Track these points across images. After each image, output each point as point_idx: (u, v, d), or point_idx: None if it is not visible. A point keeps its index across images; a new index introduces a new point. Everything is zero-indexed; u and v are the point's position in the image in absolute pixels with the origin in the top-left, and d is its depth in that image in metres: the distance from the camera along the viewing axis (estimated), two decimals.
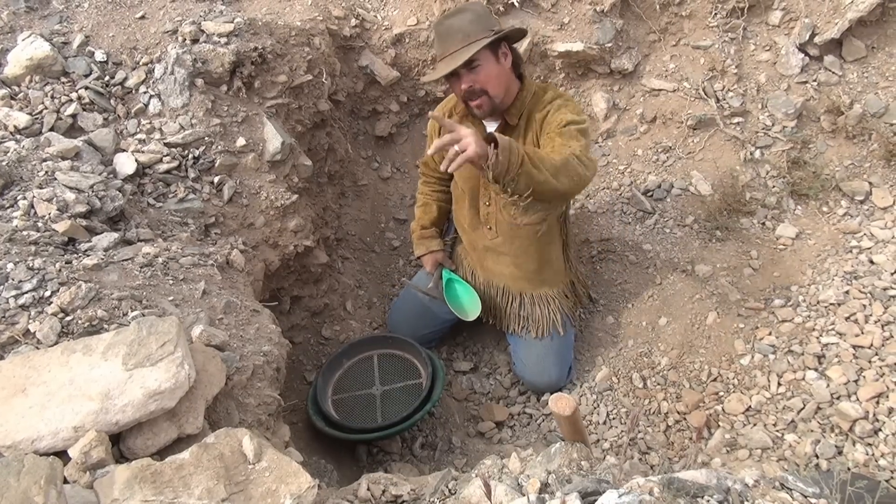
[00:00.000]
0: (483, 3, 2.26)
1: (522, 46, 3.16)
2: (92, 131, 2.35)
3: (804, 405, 2.30)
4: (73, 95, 2.39)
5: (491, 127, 2.41)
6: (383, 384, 2.63)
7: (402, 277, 3.25)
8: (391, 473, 1.74)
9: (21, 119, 2.28)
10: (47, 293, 1.67)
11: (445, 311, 2.84)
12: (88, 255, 1.87)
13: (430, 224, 2.86)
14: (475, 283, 2.79)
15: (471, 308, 2.75)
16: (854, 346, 2.37)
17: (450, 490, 1.50)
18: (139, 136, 2.39)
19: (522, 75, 2.36)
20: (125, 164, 2.29)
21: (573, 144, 2.10)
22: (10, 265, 1.72)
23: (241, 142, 2.50)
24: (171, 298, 1.83)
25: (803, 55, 3.08)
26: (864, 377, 2.28)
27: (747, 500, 1.21)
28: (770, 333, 2.54)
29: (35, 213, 1.95)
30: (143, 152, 2.34)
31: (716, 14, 3.19)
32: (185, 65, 2.46)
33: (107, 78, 2.49)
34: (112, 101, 2.45)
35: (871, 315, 2.45)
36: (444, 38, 2.20)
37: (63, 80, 2.44)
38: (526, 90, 2.34)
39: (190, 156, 2.41)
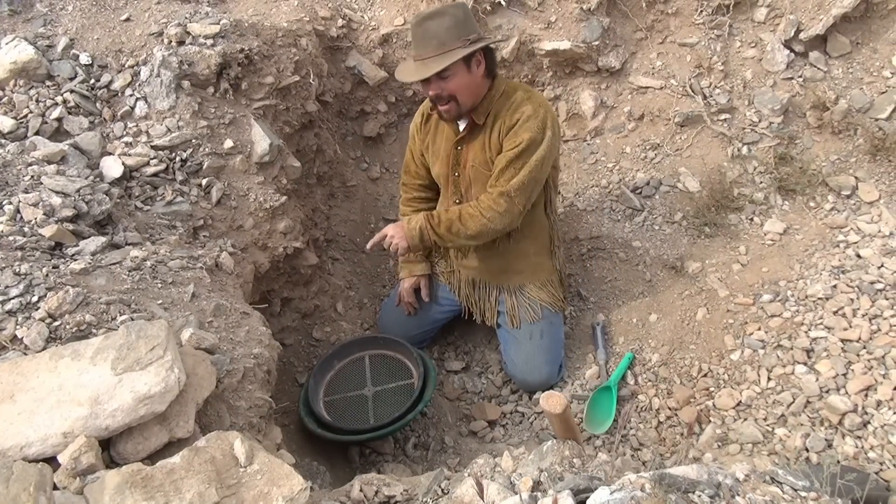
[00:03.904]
0: (465, 6, 2.29)
1: (509, 46, 3.17)
2: (78, 135, 2.33)
3: (794, 399, 2.31)
4: (59, 99, 2.37)
5: (461, 123, 2.45)
6: (375, 385, 2.62)
7: (392, 278, 3.25)
8: (384, 474, 1.74)
9: (6, 123, 2.27)
10: (34, 298, 1.66)
11: (435, 312, 2.86)
12: (76, 260, 1.86)
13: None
14: (455, 280, 2.80)
15: (604, 421, 2.55)
16: (842, 340, 2.39)
17: (442, 490, 1.51)
18: (126, 139, 2.38)
19: (494, 75, 2.37)
20: (112, 167, 2.27)
21: (510, 183, 2.32)
22: None
23: (228, 144, 2.49)
24: (159, 302, 1.82)
25: (789, 51, 3.10)
26: (852, 370, 2.30)
27: (738, 495, 1.22)
28: (759, 328, 2.56)
29: (21, 217, 1.93)
30: (129, 155, 2.33)
31: (702, 11, 3.20)
32: (172, 67, 2.44)
33: (92, 81, 2.47)
34: (98, 105, 2.43)
35: (858, 309, 2.47)
36: (419, 40, 2.20)
37: (48, 83, 2.42)
38: (495, 90, 2.35)
39: (177, 158, 2.39)
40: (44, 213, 1.94)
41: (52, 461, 1.32)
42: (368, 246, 2.51)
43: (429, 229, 2.40)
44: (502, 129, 2.35)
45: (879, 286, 2.50)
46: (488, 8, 3.15)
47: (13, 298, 1.65)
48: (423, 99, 2.98)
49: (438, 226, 2.39)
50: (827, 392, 2.28)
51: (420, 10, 3.13)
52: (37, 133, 2.29)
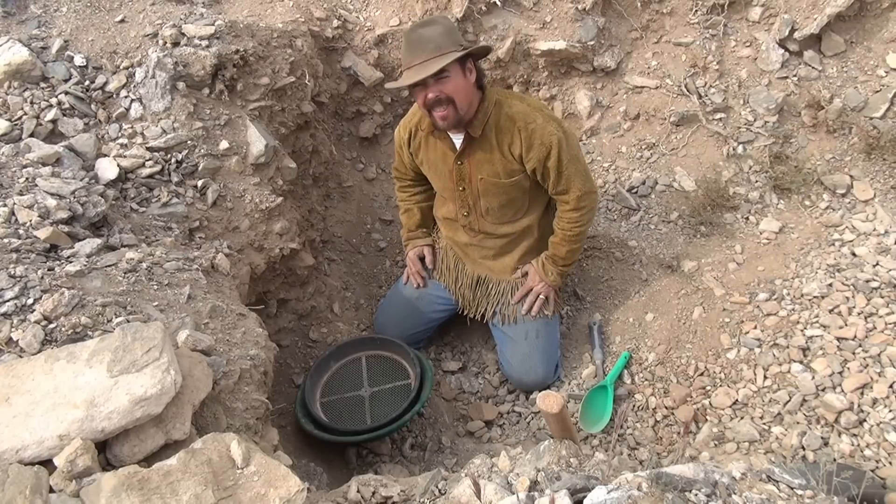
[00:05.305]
0: (450, 19, 2.32)
1: (504, 46, 3.17)
2: (73, 136, 2.32)
3: (790, 397, 2.31)
4: (53, 101, 2.37)
5: (457, 139, 2.43)
6: (372, 386, 2.62)
7: (388, 279, 3.25)
8: (381, 475, 1.74)
9: (0, 125, 2.26)
10: (30, 301, 1.66)
11: (432, 311, 2.86)
12: (71, 262, 1.85)
13: (415, 227, 2.91)
14: (461, 275, 2.82)
15: (600, 420, 2.56)
16: (838, 338, 2.39)
17: (440, 490, 1.51)
18: (121, 140, 2.37)
19: (484, 87, 2.37)
20: (107, 169, 2.27)
21: (572, 184, 2.45)
22: None
23: (224, 145, 2.49)
24: (155, 304, 1.82)
25: (783, 51, 3.11)
26: (848, 369, 2.30)
27: (735, 493, 1.23)
28: (755, 327, 2.56)
29: (16, 220, 1.92)
30: (125, 157, 2.32)
31: (696, 11, 3.21)
32: (167, 68, 2.44)
33: (87, 82, 2.46)
34: (93, 106, 2.43)
35: (854, 307, 2.47)
36: (414, 46, 2.21)
37: (42, 85, 2.41)
38: (487, 101, 2.35)
39: (173, 160, 2.39)
40: (39, 216, 1.93)
41: (48, 464, 1.31)
42: (524, 310, 2.68)
43: (564, 270, 2.66)
44: (520, 141, 2.36)
45: (875, 284, 2.51)
46: (483, 8, 3.15)
47: (8, 301, 1.65)
48: None
49: (566, 260, 2.62)
50: (823, 390, 2.29)
51: (415, 11, 3.14)
52: (31, 135, 2.29)
